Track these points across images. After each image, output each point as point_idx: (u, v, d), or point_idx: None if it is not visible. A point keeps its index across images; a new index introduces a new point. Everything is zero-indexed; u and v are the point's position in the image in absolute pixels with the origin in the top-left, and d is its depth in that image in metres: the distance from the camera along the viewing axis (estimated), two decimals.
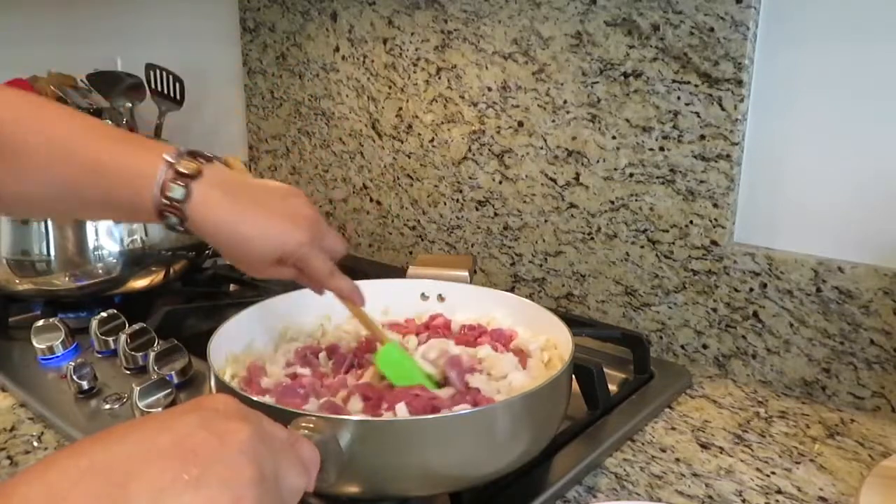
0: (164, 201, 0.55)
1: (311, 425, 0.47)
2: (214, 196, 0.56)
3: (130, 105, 1.28)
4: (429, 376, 0.64)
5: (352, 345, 0.71)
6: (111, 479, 0.33)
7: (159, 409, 0.68)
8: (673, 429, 0.73)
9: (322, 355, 0.68)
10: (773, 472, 0.66)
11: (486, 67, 0.96)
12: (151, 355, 0.77)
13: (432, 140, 1.05)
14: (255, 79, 1.29)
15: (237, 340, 0.68)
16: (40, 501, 0.32)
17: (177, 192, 0.55)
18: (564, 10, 0.87)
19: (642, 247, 0.88)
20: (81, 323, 0.89)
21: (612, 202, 0.89)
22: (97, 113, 1.08)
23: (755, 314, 0.81)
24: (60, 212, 0.69)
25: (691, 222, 0.83)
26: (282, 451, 0.40)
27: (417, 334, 0.73)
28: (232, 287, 1.08)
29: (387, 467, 0.52)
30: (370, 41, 1.09)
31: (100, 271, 0.91)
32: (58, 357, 0.83)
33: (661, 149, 0.83)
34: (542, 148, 0.93)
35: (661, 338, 0.89)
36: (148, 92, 1.30)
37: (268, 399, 0.58)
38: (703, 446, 0.70)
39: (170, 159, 0.55)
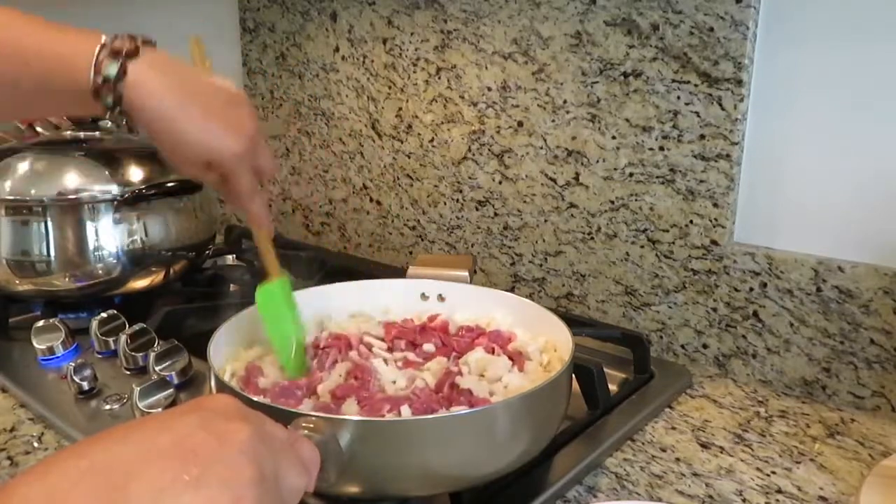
0: (99, 80, 0.53)
1: (311, 425, 0.47)
2: (153, 78, 0.54)
3: None
4: (298, 335, 0.64)
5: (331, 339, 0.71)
6: (111, 480, 0.33)
7: (159, 409, 0.68)
8: (673, 428, 0.73)
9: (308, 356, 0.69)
10: (774, 472, 0.66)
11: (486, 67, 0.96)
12: (151, 356, 0.77)
13: (432, 140, 1.05)
14: (254, 79, 1.29)
15: (237, 340, 0.68)
16: (40, 502, 0.32)
17: (110, 68, 0.53)
18: (564, 9, 0.87)
19: (642, 247, 0.88)
20: (81, 323, 0.89)
21: (612, 202, 0.89)
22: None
23: (755, 314, 0.81)
24: (2, 109, 0.65)
25: (691, 222, 0.83)
26: (282, 452, 0.40)
27: (394, 340, 0.72)
28: (232, 287, 1.08)
29: (387, 467, 0.52)
30: (370, 41, 1.09)
31: (100, 272, 0.91)
32: (58, 357, 0.83)
33: (661, 148, 0.83)
34: (541, 148, 0.93)
35: (661, 337, 0.89)
36: None
37: (266, 399, 0.58)
38: (704, 446, 0.70)
39: (104, 40, 0.53)
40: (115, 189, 0.90)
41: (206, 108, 0.57)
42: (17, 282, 0.91)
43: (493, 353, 0.68)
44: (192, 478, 0.34)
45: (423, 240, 1.11)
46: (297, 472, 0.41)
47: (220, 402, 0.40)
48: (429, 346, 0.70)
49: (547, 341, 0.69)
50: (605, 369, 0.75)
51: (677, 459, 0.68)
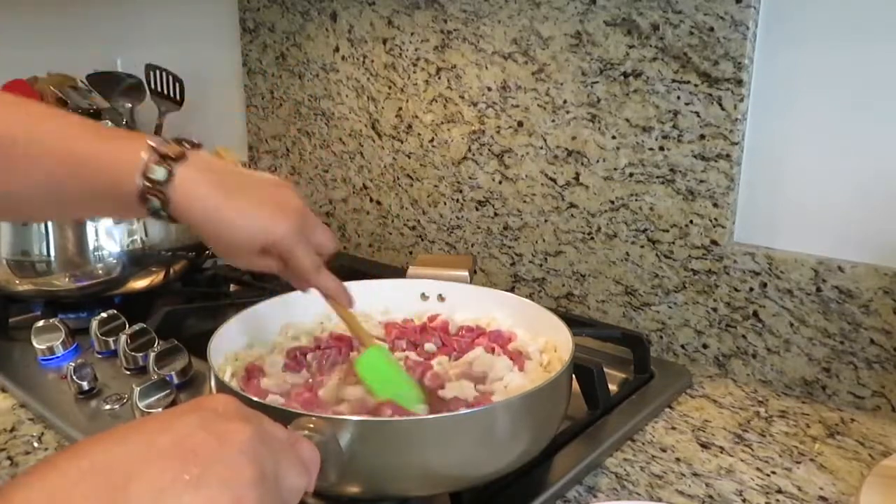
0: (146, 184, 0.53)
1: (312, 425, 0.47)
2: (199, 179, 0.55)
3: (130, 105, 1.28)
4: (413, 387, 0.61)
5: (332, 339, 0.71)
6: (111, 480, 0.33)
7: (159, 409, 0.68)
8: (673, 428, 0.73)
9: (310, 356, 0.68)
10: (774, 472, 0.66)
11: (486, 67, 0.96)
12: (151, 356, 0.77)
13: (432, 140, 1.05)
14: (254, 79, 1.29)
15: (237, 340, 0.68)
16: (42, 503, 0.32)
17: (159, 173, 0.53)
18: (564, 9, 0.87)
19: (642, 246, 0.88)
20: (81, 323, 0.89)
21: (612, 202, 0.89)
22: (97, 114, 1.08)
23: (755, 314, 0.81)
24: (45, 211, 0.67)
25: (691, 222, 0.83)
26: (282, 452, 0.40)
27: (395, 340, 0.72)
28: (232, 287, 1.08)
29: (387, 467, 0.52)
30: (370, 41, 1.09)
31: (100, 272, 0.91)
32: (58, 357, 0.83)
33: (661, 148, 0.83)
34: (541, 148, 0.93)
35: (661, 337, 0.89)
36: (148, 92, 1.30)
37: (268, 399, 0.58)
38: (704, 446, 0.70)
39: (153, 144, 0.54)
40: None
41: (253, 195, 0.57)
42: (17, 282, 0.91)
43: (493, 352, 0.68)
44: (193, 477, 0.34)
45: (423, 240, 1.11)
46: (298, 471, 0.41)
47: (219, 402, 0.40)
48: (430, 346, 0.71)
49: (547, 341, 0.69)
50: (605, 369, 0.75)
51: (677, 459, 0.68)
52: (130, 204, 0.55)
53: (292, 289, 0.73)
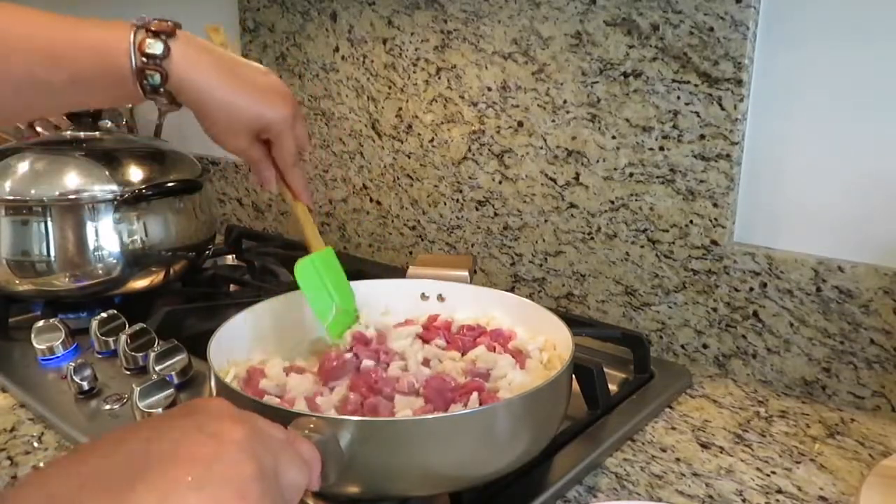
0: (143, 59, 0.53)
1: (312, 425, 0.47)
2: (196, 58, 0.55)
3: (130, 105, 1.28)
4: (341, 301, 0.66)
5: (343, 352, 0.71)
6: (113, 485, 0.33)
7: (160, 409, 0.68)
8: (673, 428, 0.73)
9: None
10: (774, 472, 0.66)
11: (486, 67, 0.96)
12: (151, 356, 0.77)
13: (432, 140, 1.05)
14: None
15: (237, 341, 0.68)
16: None
17: (156, 47, 0.53)
18: (564, 9, 0.87)
19: (642, 247, 0.88)
20: (81, 323, 0.89)
21: (612, 202, 0.89)
22: (97, 113, 1.08)
23: (755, 314, 0.81)
24: (33, 108, 0.65)
25: (691, 222, 0.83)
26: (280, 449, 0.40)
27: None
28: (232, 287, 1.08)
29: (387, 467, 0.52)
30: (370, 41, 1.09)
31: (100, 272, 0.91)
32: (58, 357, 0.83)
33: (661, 148, 0.83)
34: (541, 148, 0.93)
35: (661, 337, 0.89)
36: None
37: (268, 399, 0.58)
38: (704, 446, 0.70)
39: (138, 23, 0.54)
40: (115, 189, 0.90)
41: (249, 79, 0.58)
42: (17, 282, 0.91)
43: (494, 351, 0.68)
44: (195, 478, 0.34)
45: (423, 240, 1.11)
46: (297, 468, 0.41)
47: (212, 405, 0.40)
48: (439, 342, 0.71)
49: (546, 340, 0.69)
50: (605, 369, 0.75)
51: (677, 459, 0.68)
52: (124, 83, 0.54)
53: (292, 289, 0.73)
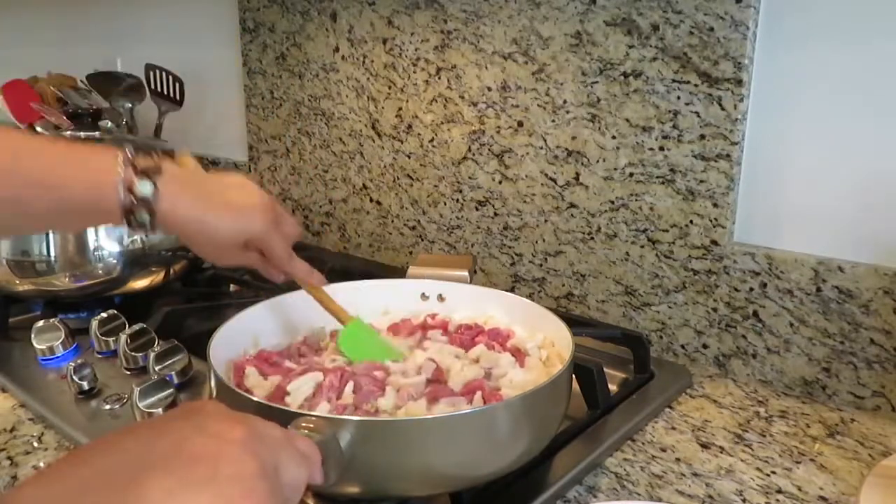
0: (133, 200, 0.55)
1: (311, 425, 0.47)
2: (181, 192, 0.58)
3: (130, 105, 1.28)
4: (390, 348, 0.67)
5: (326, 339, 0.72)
6: (117, 483, 0.33)
7: (160, 409, 0.68)
8: (673, 428, 0.73)
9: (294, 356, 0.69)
10: (774, 472, 0.66)
11: (486, 67, 0.96)
12: (151, 356, 0.77)
13: (432, 140, 1.05)
14: (254, 79, 1.29)
15: (237, 341, 0.68)
16: None
17: (145, 188, 0.55)
18: (564, 10, 0.87)
19: (642, 246, 0.88)
20: (81, 323, 0.89)
21: (612, 202, 0.89)
22: (97, 113, 1.08)
23: (755, 314, 0.81)
24: (5, 228, 0.69)
25: (691, 222, 0.83)
26: (279, 447, 0.41)
27: (410, 334, 0.73)
28: (232, 287, 1.08)
29: (387, 467, 0.52)
30: (370, 41, 1.09)
31: (100, 272, 0.91)
32: (58, 357, 0.83)
33: (661, 148, 0.83)
34: (541, 148, 0.93)
35: (661, 337, 0.89)
36: (148, 92, 1.30)
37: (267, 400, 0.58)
38: (704, 446, 0.70)
39: (128, 157, 0.55)
40: None
41: (226, 198, 0.62)
42: (17, 282, 0.91)
43: (493, 350, 0.68)
44: (200, 478, 0.35)
45: (423, 240, 1.11)
46: (297, 465, 0.41)
47: (208, 407, 0.41)
48: (438, 335, 0.71)
49: (545, 338, 0.69)
50: (605, 369, 0.75)
51: (677, 459, 0.68)
52: (111, 216, 0.56)
53: (291, 289, 0.73)
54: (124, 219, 0.56)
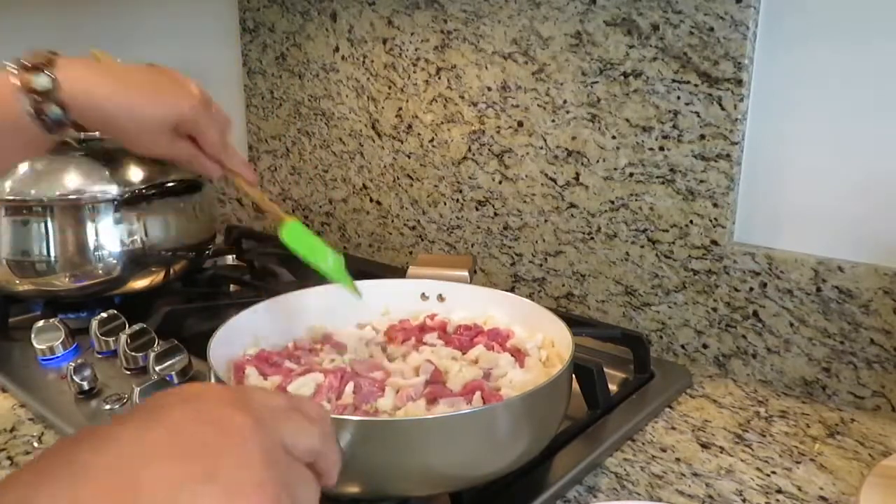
0: (36, 98, 0.51)
1: None
2: (88, 76, 0.54)
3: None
4: (337, 258, 0.68)
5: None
6: (115, 482, 0.31)
7: None
8: (673, 428, 0.73)
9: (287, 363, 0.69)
10: (774, 472, 0.66)
11: (486, 67, 0.96)
12: (152, 356, 0.77)
13: (432, 140, 1.05)
14: (254, 79, 1.29)
15: (237, 341, 0.68)
16: None
17: (42, 80, 0.52)
18: (564, 10, 0.87)
19: (642, 246, 0.88)
20: (81, 323, 0.89)
21: (612, 202, 0.89)
22: None
23: (755, 314, 0.81)
24: None
25: (691, 222, 0.83)
26: (284, 420, 0.38)
27: (405, 340, 0.72)
28: (232, 287, 1.08)
29: (387, 467, 0.52)
30: (370, 41, 1.09)
31: (100, 272, 0.91)
32: (58, 357, 0.83)
33: (661, 148, 0.83)
34: (541, 148, 0.93)
35: (661, 337, 0.89)
36: None
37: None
38: (704, 446, 0.70)
39: (13, 65, 0.52)
40: (115, 189, 0.90)
41: (145, 80, 0.57)
42: (17, 282, 0.90)
43: (492, 350, 0.68)
44: (204, 472, 0.32)
45: (423, 240, 1.11)
46: (306, 434, 0.39)
47: (197, 389, 0.38)
48: (432, 339, 0.71)
49: (545, 338, 0.69)
50: (605, 369, 0.75)
51: (677, 459, 0.68)
52: (26, 127, 0.52)
53: (293, 289, 0.73)
54: (39, 121, 0.52)
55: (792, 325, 0.79)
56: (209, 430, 0.34)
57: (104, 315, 0.86)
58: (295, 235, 0.67)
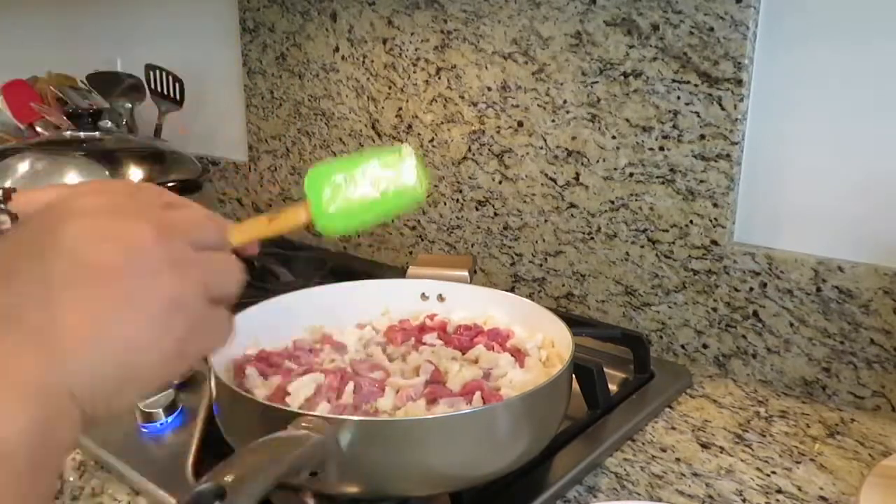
0: None
1: (311, 425, 0.47)
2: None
3: (130, 105, 1.28)
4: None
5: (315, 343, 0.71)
6: (33, 325, 0.29)
7: (159, 409, 0.68)
8: (673, 428, 0.73)
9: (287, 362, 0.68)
10: (774, 472, 0.66)
11: (486, 67, 0.96)
12: None
13: (432, 140, 1.05)
14: (254, 79, 1.29)
15: (237, 341, 0.68)
16: None
17: None
18: (564, 9, 0.87)
19: (642, 246, 0.88)
20: None
21: (612, 202, 0.89)
22: (97, 113, 1.08)
23: (755, 314, 0.81)
24: None
25: (691, 222, 0.83)
26: (179, 220, 0.36)
27: (404, 340, 0.72)
28: None
29: (387, 467, 0.52)
30: (370, 41, 1.09)
31: None
32: None
33: (661, 148, 0.83)
34: (541, 148, 0.93)
35: (661, 337, 0.89)
36: (148, 92, 1.30)
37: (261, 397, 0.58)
38: (704, 446, 0.70)
39: None
40: None
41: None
42: None
43: (492, 350, 0.68)
44: (115, 297, 0.31)
45: (423, 240, 1.11)
46: (204, 229, 0.38)
47: (116, 186, 0.36)
48: (431, 339, 0.71)
49: (545, 338, 0.69)
50: (605, 369, 0.75)
51: (677, 459, 0.68)
52: None
53: (294, 289, 0.73)
54: None
55: (792, 325, 0.79)
56: (113, 248, 0.32)
57: None
58: (321, 175, 0.48)
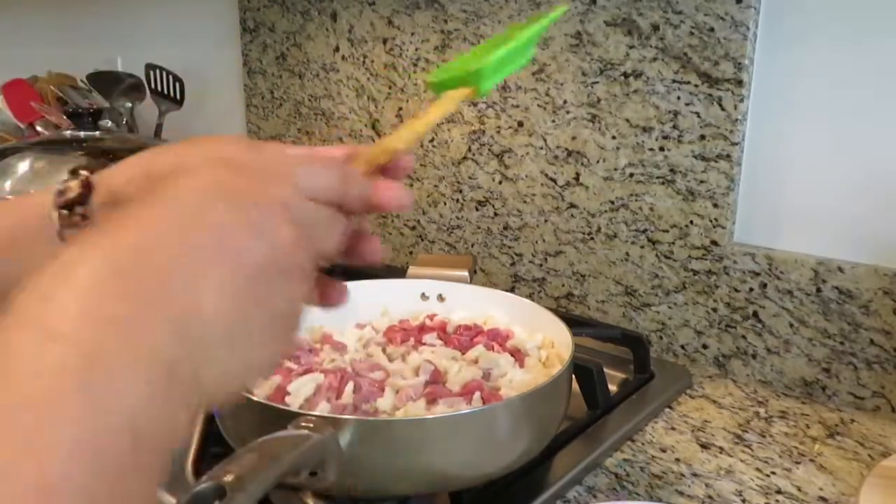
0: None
1: (311, 425, 0.47)
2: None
3: (130, 105, 1.28)
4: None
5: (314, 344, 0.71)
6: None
7: None
8: (673, 429, 0.73)
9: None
10: (774, 472, 0.66)
11: None
12: None
13: (432, 140, 1.05)
14: (255, 79, 1.29)
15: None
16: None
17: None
18: None
19: (642, 247, 0.88)
20: None
21: (612, 202, 0.89)
22: (97, 113, 1.08)
23: (755, 314, 0.81)
24: None
25: (691, 222, 0.83)
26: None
27: (404, 341, 0.72)
28: None
29: (387, 467, 0.52)
30: (370, 41, 1.09)
31: None
32: None
33: (661, 149, 0.83)
34: (541, 148, 0.93)
35: (661, 338, 0.89)
36: (148, 92, 1.30)
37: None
38: (703, 446, 0.70)
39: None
40: None
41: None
42: None
43: (492, 350, 0.68)
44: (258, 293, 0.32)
45: (423, 240, 1.11)
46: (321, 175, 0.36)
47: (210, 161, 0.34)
48: (431, 339, 0.71)
49: (545, 338, 0.69)
50: (605, 369, 0.75)
51: (677, 460, 0.68)
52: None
53: None
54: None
55: (792, 325, 0.79)
56: (261, 242, 0.32)
57: None
58: (444, 75, 0.47)
